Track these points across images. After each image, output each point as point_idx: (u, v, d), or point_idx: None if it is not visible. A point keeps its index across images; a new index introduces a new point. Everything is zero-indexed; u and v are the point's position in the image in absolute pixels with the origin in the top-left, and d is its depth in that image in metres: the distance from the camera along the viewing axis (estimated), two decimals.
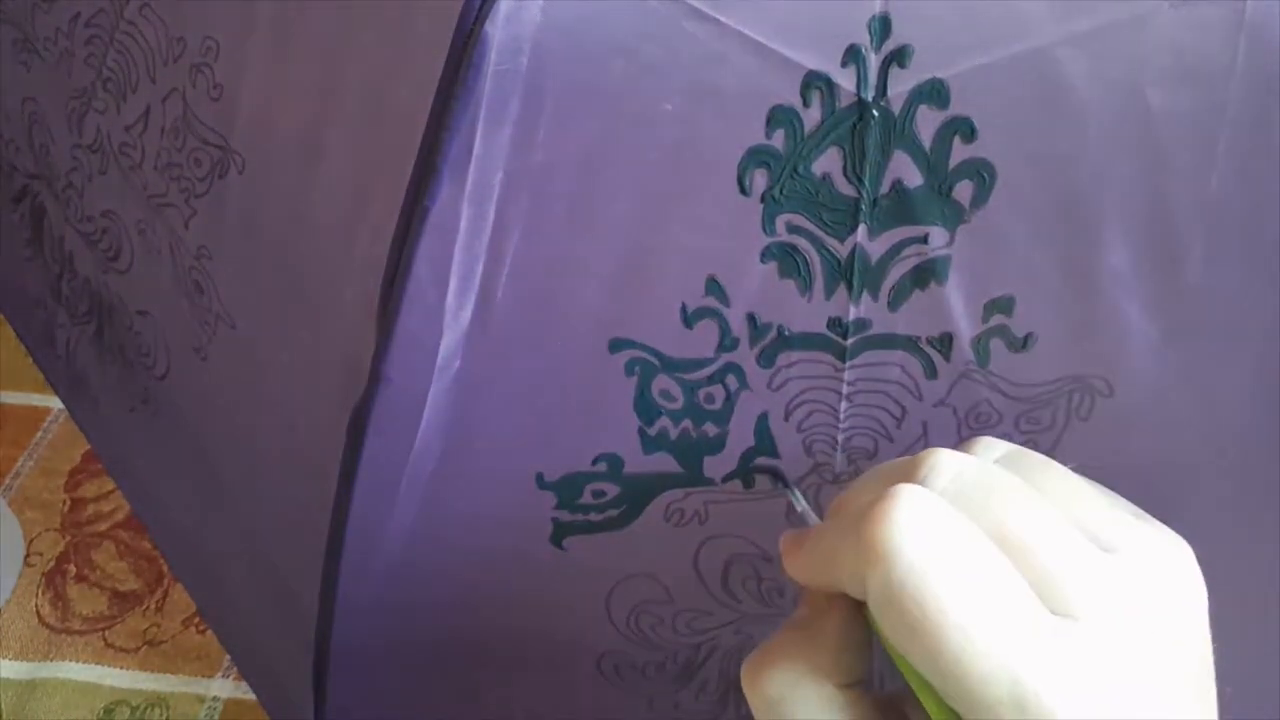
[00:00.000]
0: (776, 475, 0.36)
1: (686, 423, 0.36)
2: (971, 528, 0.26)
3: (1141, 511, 0.29)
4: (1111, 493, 0.29)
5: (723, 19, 0.30)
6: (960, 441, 0.35)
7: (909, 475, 0.27)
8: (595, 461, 0.36)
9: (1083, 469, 0.34)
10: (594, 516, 0.37)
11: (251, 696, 0.54)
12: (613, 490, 0.37)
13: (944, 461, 0.27)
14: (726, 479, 0.37)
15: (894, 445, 0.36)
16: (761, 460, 0.36)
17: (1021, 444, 0.35)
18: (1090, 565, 0.26)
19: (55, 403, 0.67)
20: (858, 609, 0.28)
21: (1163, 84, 0.31)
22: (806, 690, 0.28)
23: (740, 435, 0.36)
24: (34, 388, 0.67)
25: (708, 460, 0.36)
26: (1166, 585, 0.27)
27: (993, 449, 0.29)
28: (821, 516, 0.32)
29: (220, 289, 0.41)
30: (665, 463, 0.36)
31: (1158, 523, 0.28)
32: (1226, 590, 0.39)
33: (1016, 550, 0.25)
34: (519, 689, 0.44)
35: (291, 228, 0.38)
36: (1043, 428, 0.35)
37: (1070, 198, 0.32)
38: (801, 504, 0.34)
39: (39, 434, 0.67)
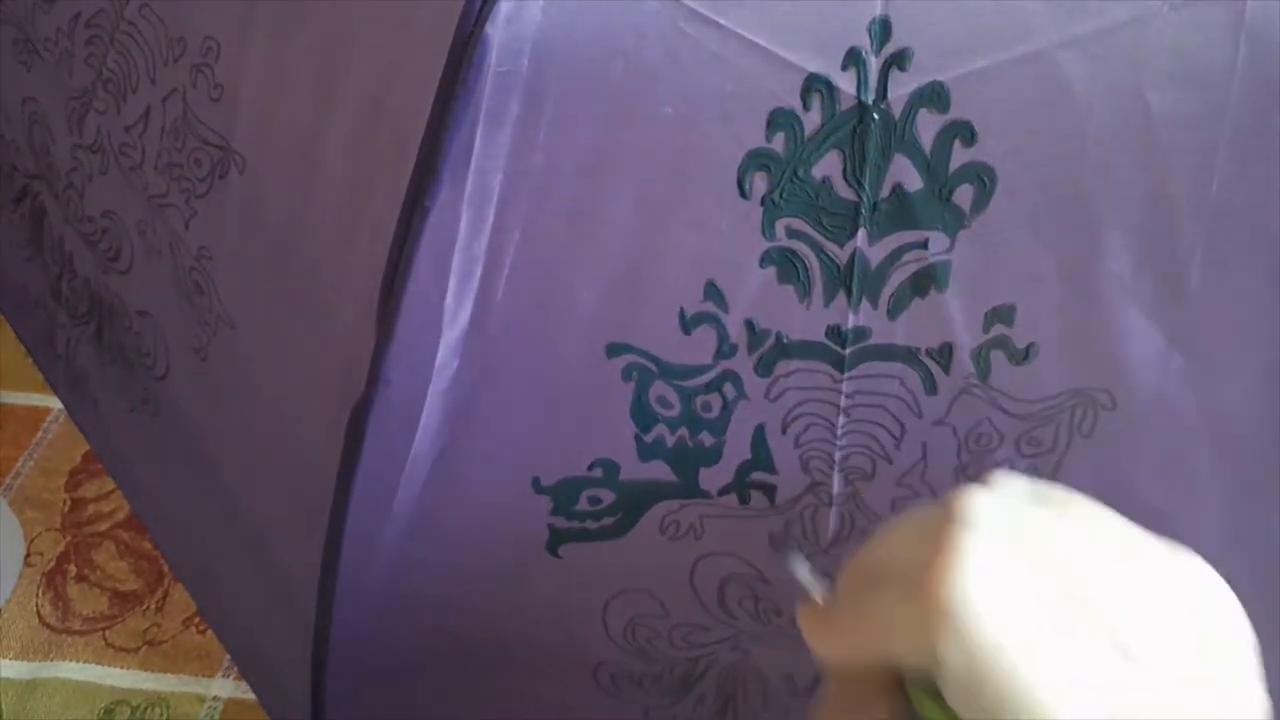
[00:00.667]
0: (779, 545, 0.34)
1: (683, 431, 0.35)
2: (1038, 576, 0.24)
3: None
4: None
5: (723, 22, 0.30)
6: (959, 465, 0.35)
7: (949, 524, 0.25)
8: (591, 467, 0.36)
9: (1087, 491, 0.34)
10: (590, 524, 0.37)
11: (251, 696, 0.54)
12: (608, 497, 0.37)
13: (982, 506, 0.25)
14: (722, 492, 0.37)
15: (893, 467, 0.36)
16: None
17: (1024, 469, 0.35)
18: (1145, 601, 0.25)
19: (55, 403, 0.67)
20: (897, 683, 0.27)
21: (1163, 86, 0.31)
22: None
23: (737, 447, 0.36)
24: (34, 388, 0.68)
25: (703, 471, 0.36)
26: (1212, 614, 0.26)
27: (1014, 483, 0.27)
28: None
29: (220, 289, 0.41)
30: (661, 471, 0.36)
31: (1189, 552, 0.27)
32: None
33: (1075, 587, 0.24)
34: (515, 693, 0.44)
35: (291, 228, 0.38)
36: (1045, 449, 0.35)
37: (1071, 201, 0.32)
38: (806, 575, 0.30)
39: (39, 434, 0.67)
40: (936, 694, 0.25)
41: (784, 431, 0.35)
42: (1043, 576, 0.24)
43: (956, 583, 0.23)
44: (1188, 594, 0.26)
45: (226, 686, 0.55)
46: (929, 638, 0.23)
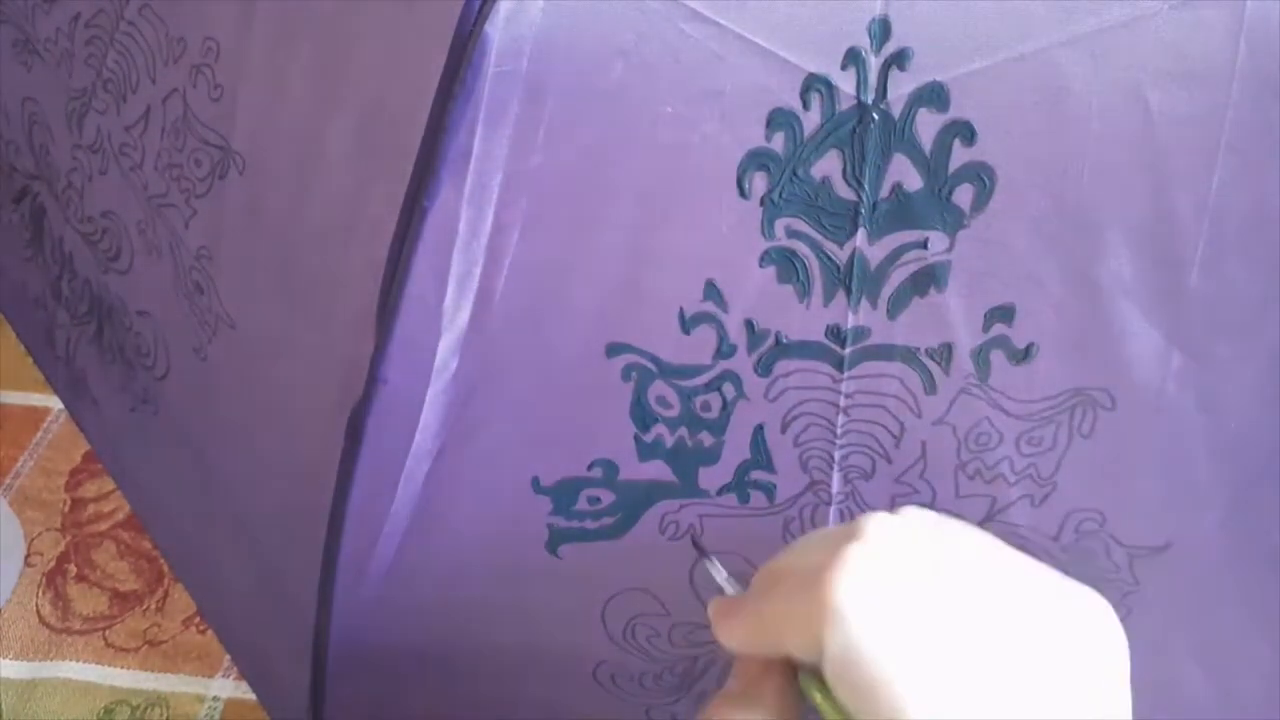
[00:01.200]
0: (698, 547, 0.35)
1: (682, 431, 0.35)
2: (916, 584, 0.27)
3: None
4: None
5: (723, 21, 0.30)
6: (959, 464, 0.35)
7: (850, 537, 0.28)
8: (591, 467, 0.36)
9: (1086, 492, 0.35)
10: (589, 524, 0.37)
11: (251, 696, 0.54)
12: (608, 497, 0.37)
13: (881, 525, 0.28)
14: (721, 491, 0.37)
15: (892, 466, 0.36)
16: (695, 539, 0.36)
17: (1023, 469, 0.35)
18: (1022, 630, 0.27)
19: (55, 403, 0.67)
20: (793, 675, 0.29)
21: (1163, 86, 0.31)
22: None
23: (736, 447, 0.36)
24: (34, 388, 0.68)
25: (703, 471, 0.36)
26: (1092, 641, 0.28)
27: (922, 515, 0.30)
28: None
29: (220, 289, 0.41)
30: (660, 471, 0.36)
31: (1079, 584, 0.29)
32: (1232, 606, 0.39)
33: (956, 605, 0.27)
34: (514, 694, 0.44)
35: (291, 228, 0.38)
36: (1044, 449, 0.35)
37: (1071, 201, 0.32)
38: (723, 574, 0.33)
39: (39, 434, 0.67)
40: (823, 684, 0.27)
41: (783, 431, 0.35)
42: (926, 590, 0.27)
43: (841, 583, 0.26)
44: (1070, 622, 0.28)
45: (226, 686, 0.55)
46: (815, 631, 0.26)
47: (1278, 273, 0.33)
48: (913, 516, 0.30)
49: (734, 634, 0.30)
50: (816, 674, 0.28)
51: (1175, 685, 0.41)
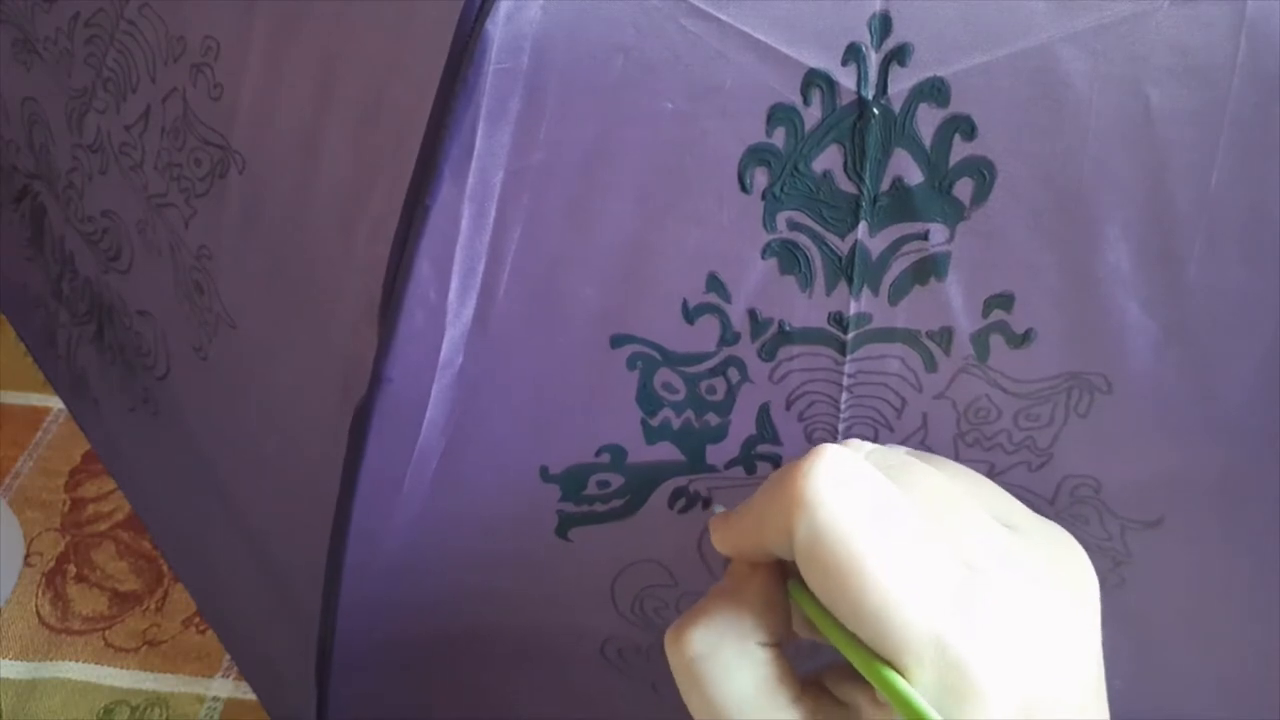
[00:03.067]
0: (706, 504, 0.37)
1: (689, 413, 0.36)
2: (890, 485, 0.28)
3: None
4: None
5: (723, 17, 0.31)
6: (958, 433, 0.35)
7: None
8: (599, 453, 0.36)
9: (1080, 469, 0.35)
10: (599, 507, 0.38)
11: (251, 696, 0.54)
12: (617, 480, 0.37)
13: (860, 442, 0.30)
14: (729, 465, 0.37)
15: (894, 435, 0.36)
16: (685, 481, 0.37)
17: (1021, 440, 0.35)
18: (996, 532, 0.28)
19: (56, 402, 0.67)
20: (781, 577, 0.30)
21: (1163, 82, 0.31)
22: (729, 647, 0.29)
23: (742, 424, 0.36)
24: (34, 387, 0.68)
25: (710, 448, 0.36)
26: (1064, 563, 0.29)
27: (897, 449, 0.31)
28: None
29: (221, 289, 0.41)
30: (668, 451, 0.36)
31: (1047, 520, 0.31)
32: (1226, 588, 0.39)
33: (930, 511, 0.28)
34: (522, 681, 0.44)
35: (292, 227, 0.38)
36: (1041, 424, 0.35)
37: (1070, 195, 0.32)
38: (721, 509, 0.34)
39: (39, 434, 0.67)
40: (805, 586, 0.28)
41: (788, 408, 0.36)
42: (898, 493, 0.28)
43: (810, 471, 0.27)
44: (1044, 544, 0.29)
45: (226, 686, 0.55)
46: (787, 521, 0.27)
47: (1276, 268, 0.33)
48: (893, 446, 0.31)
49: (722, 538, 0.31)
50: (803, 582, 0.28)
51: (1166, 661, 0.41)
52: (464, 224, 0.32)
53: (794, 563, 0.28)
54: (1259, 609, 0.39)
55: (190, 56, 0.41)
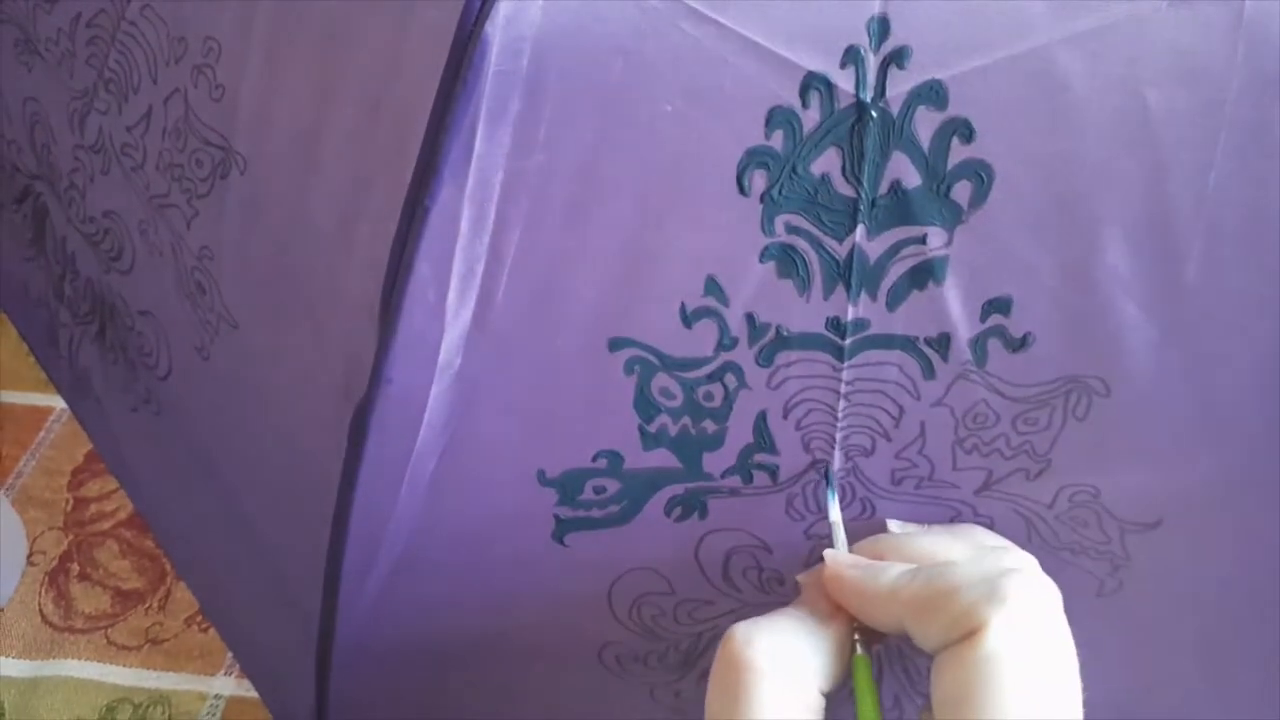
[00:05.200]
0: (828, 479, 0.36)
1: (685, 420, 0.36)
2: (1056, 634, 0.28)
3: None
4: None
5: (722, 20, 0.31)
6: (956, 440, 0.35)
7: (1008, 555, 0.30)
8: (595, 458, 0.36)
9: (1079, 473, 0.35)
10: (595, 513, 0.38)
11: (254, 694, 0.54)
12: (613, 486, 0.37)
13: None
14: (725, 474, 0.37)
15: (891, 444, 0.36)
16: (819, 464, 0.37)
17: (1019, 445, 0.35)
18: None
19: (58, 402, 0.67)
20: (850, 638, 0.30)
21: (1161, 83, 0.31)
22: (792, 677, 0.28)
23: (739, 432, 0.36)
24: (36, 387, 0.68)
25: (707, 456, 0.36)
26: (1052, 607, 0.29)
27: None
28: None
29: (222, 289, 0.41)
30: (665, 458, 0.36)
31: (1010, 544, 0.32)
32: (1226, 589, 0.39)
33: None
34: (520, 685, 0.44)
35: (292, 228, 0.38)
36: (1039, 429, 0.35)
37: (1068, 197, 0.32)
38: (836, 514, 0.35)
39: (41, 433, 0.67)
40: (868, 667, 0.29)
41: (785, 416, 0.36)
42: (1059, 637, 0.28)
43: (1028, 589, 0.27)
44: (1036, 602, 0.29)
45: (228, 684, 0.55)
46: (982, 617, 0.27)
47: (1275, 269, 0.33)
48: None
49: (861, 592, 0.30)
50: (871, 654, 0.29)
51: (1164, 664, 0.41)
52: (463, 225, 0.32)
53: (870, 634, 0.29)
54: (1259, 611, 0.39)
55: (191, 57, 0.41)
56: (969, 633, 0.27)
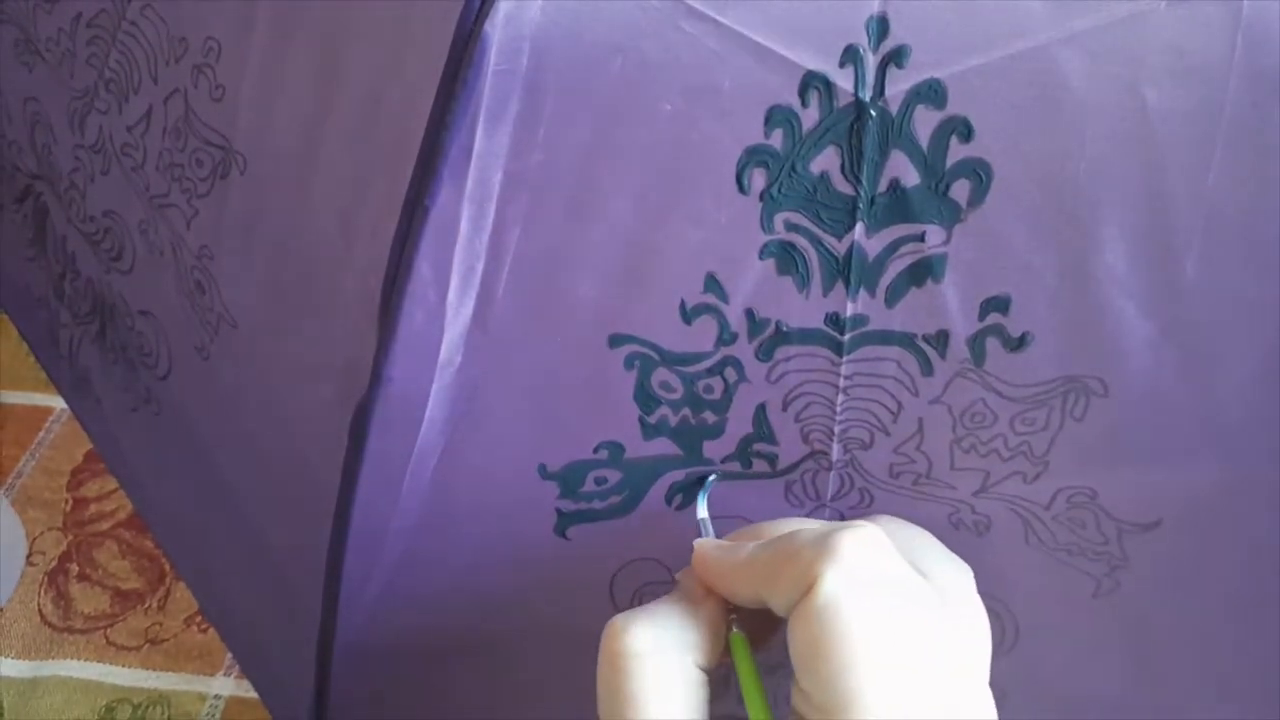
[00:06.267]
0: (703, 484, 0.38)
1: (686, 411, 0.36)
2: (904, 584, 0.29)
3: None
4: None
5: (721, 19, 0.31)
6: (954, 438, 0.35)
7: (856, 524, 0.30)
8: (597, 450, 0.37)
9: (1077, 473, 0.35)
10: (597, 504, 0.38)
11: (253, 695, 0.54)
12: (615, 476, 0.37)
13: (882, 523, 0.31)
14: (725, 460, 0.37)
15: (890, 438, 0.36)
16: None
17: (1017, 445, 0.36)
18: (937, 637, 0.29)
19: (58, 402, 0.67)
20: (725, 614, 0.31)
21: (1160, 82, 0.31)
22: (670, 656, 0.30)
23: (739, 423, 0.36)
24: (36, 387, 0.68)
25: (707, 444, 0.37)
26: (977, 621, 0.31)
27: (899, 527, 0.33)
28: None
29: (222, 289, 0.41)
30: (665, 447, 0.37)
31: (958, 570, 0.33)
32: (1224, 590, 0.39)
33: (924, 609, 0.29)
34: (522, 682, 0.44)
35: (292, 228, 0.38)
36: (1037, 429, 0.35)
37: (1067, 196, 0.32)
38: (704, 511, 0.36)
39: (41, 433, 0.67)
40: (746, 645, 0.30)
41: (784, 409, 0.36)
42: (909, 588, 0.29)
43: (856, 542, 0.28)
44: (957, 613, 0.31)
45: (228, 685, 0.56)
46: (815, 572, 0.28)
47: (1274, 267, 0.33)
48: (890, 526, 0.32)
49: (720, 570, 0.31)
50: (744, 636, 0.31)
51: (1162, 664, 0.41)
52: (463, 224, 0.32)
53: (744, 613, 0.30)
54: (1257, 611, 0.40)
55: (192, 57, 0.41)
56: (808, 588, 0.28)
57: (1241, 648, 0.40)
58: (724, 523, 0.38)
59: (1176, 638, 0.41)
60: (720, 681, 0.32)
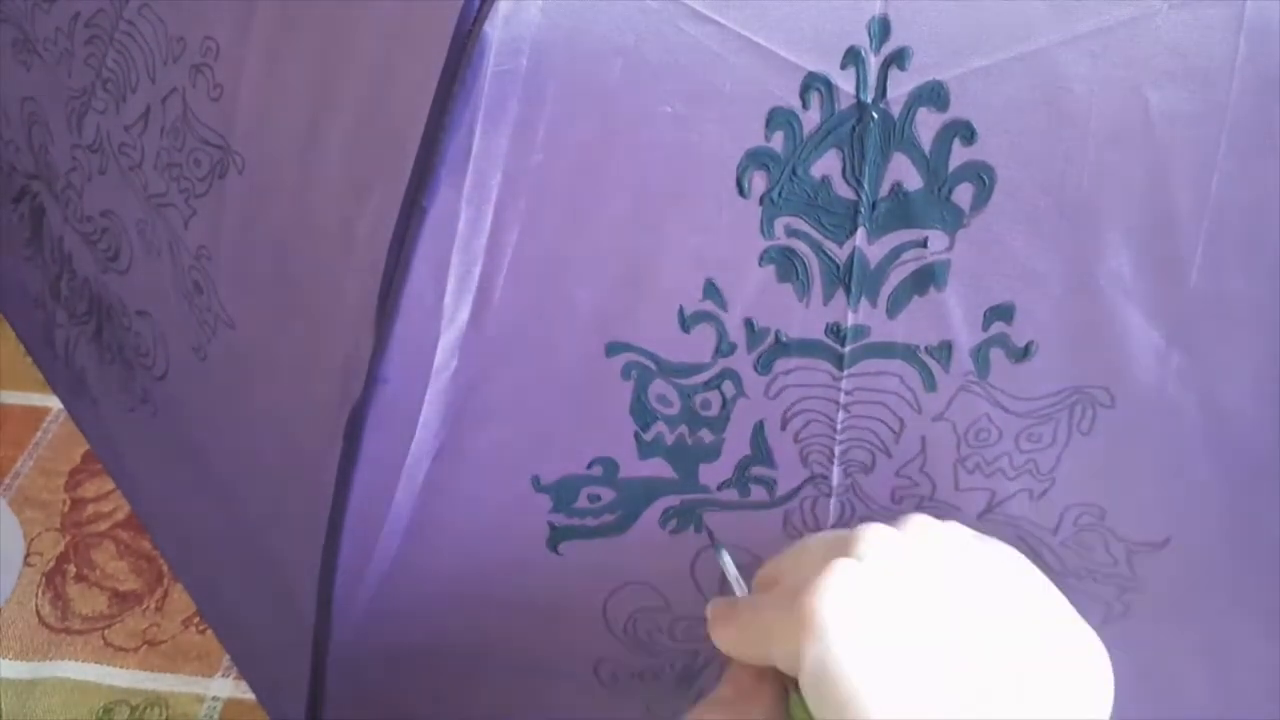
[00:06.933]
0: (711, 537, 0.36)
1: (682, 429, 0.35)
2: (903, 605, 0.27)
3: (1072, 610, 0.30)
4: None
5: (722, 20, 0.30)
6: (958, 458, 0.35)
7: (845, 550, 0.28)
8: (591, 465, 0.36)
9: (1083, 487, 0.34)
10: (590, 521, 0.37)
11: (250, 696, 0.54)
12: (608, 494, 0.37)
13: (878, 536, 0.28)
14: (722, 487, 0.37)
15: (892, 460, 0.36)
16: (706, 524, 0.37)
17: (1022, 463, 0.35)
18: (1007, 653, 0.27)
19: (55, 403, 0.67)
20: (783, 693, 0.29)
21: (1163, 85, 0.31)
22: None
23: (736, 444, 0.36)
24: (34, 388, 0.68)
25: (703, 468, 0.36)
26: (1069, 698, 0.28)
27: (925, 527, 0.30)
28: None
29: (220, 289, 0.41)
30: (660, 468, 0.36)
31: (1083, 624, 0.29)
32: (1234, 607, 0.39)
33: (939, 628, 0.27)
34: (515, 694, 0.44)
35: (290, 228, 0.38)
36: (1043, 445, 0.35)
37: (1070, 200, 0.32)
38: (732, 571, 0.34)
39: (39, 434, 0.67)
40: (806, 709, 0.27)
41: (783, 428, 0.35)
42: (910, 611, 0.27)
43: (824, 596, 0.26)
44: (1061, 657, 0.28)
45: (226, 686, 0.55)
46: (795, 646, 0.26)
47: (1278, 272, 0.33)
48: (914, 530, 0.29)
49: (728, 638, 0.30)
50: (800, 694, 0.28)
51: (1175, 684, 0.41)
52: (461, 226, 0.32)
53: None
54: (1268, 625, 0.39)
55: (190, 57, 0.40)
56: (797, 661, 0.27)
57: (1253, 664, 0.40)
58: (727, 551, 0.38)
59: (1187, 657, 0.40)
60: None
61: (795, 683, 0.29)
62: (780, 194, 0.32)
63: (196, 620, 0.58)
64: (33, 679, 0.55)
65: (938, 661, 0.27)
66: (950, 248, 0.32)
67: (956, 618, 0.27)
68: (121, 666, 0.56)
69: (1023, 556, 0.31)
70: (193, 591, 0.56)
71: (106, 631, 0.57)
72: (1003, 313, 0.33)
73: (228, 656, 0.56)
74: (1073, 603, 0.30)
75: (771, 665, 0.29)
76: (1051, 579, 0.34)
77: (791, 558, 0.31)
